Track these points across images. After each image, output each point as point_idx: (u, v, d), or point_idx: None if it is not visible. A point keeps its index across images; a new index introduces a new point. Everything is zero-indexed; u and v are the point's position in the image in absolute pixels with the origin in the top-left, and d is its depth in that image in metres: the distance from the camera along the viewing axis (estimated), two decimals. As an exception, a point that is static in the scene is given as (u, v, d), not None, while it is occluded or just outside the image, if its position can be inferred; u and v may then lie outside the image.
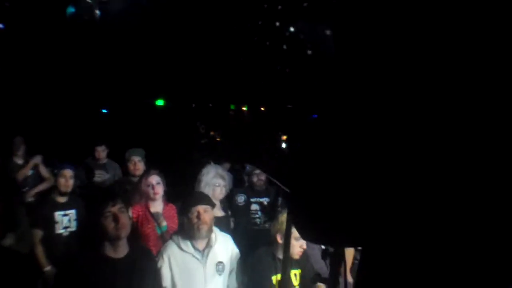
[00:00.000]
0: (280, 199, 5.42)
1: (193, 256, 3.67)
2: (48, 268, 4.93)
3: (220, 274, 3.73)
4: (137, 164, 5.93)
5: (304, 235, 1.08)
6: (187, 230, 3.75)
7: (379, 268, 0.91)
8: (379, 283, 0.91)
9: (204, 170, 5.15)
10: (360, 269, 0.99)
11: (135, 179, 5.79)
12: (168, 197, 4.93)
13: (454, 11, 0.77)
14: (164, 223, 4.59)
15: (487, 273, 0.79)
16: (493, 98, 0.75)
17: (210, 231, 3.75)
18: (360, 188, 0.87)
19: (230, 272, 3.87)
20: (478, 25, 0.75)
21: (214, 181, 5.00)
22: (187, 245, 3.70)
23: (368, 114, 0.88)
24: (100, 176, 6.83)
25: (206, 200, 3.90)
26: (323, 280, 2.27)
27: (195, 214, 3.72)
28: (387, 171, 0.84)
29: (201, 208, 3.74)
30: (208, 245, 3.75)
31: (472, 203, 0.77)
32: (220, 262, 3.75)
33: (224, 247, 3.86)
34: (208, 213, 3.75)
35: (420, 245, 0.82)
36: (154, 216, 4.59)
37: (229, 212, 5.49)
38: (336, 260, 1.57)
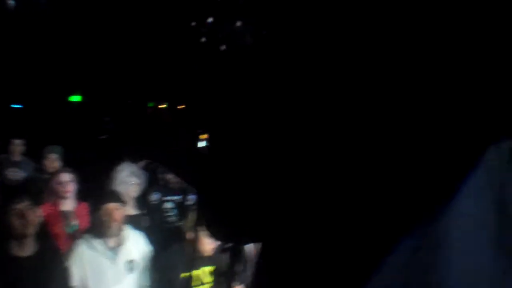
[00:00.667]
0: (192, 197, 5.47)
1: (104, 254, 3.65)
2: None
3: (131, 272, 3.73)
4: (54, 162, 5.77)
5: (212, 233, 1.10)
6: (97, 228, 3.72)
7: (273, 262, 0.94)
8: (272, 275, 0.94)
9: (119, 168, 5.11)
10: (257, 262, 1.04)
11: (49, 177, 5.67)
12: (82, 195, 4.86)
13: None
14: (74, 222, 4.52)
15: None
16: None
17: (121, 229, 3.74)
18: (258, 187, 0.90)
19: (142, 270, 3.87)
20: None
21: (128, 179, 4.98)
22: (97, 243, 3.67)
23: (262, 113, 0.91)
24: (13, 173, 6.59)
25: (117, 197, 3.89)
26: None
27: (106, 212, 3.69)
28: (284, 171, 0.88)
29: (111, 205, 3.72)
30: (119, 243, 3.73)
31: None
32: (132, 260, 3.75)
33: (136, 245, 3.86)
34: (119, 211, 3.73)
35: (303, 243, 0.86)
36: (64, 215, 4.51)
37: (143, 210, 5.48)
38: (235, 254, 1.64)
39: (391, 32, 0.80)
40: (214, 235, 1.12)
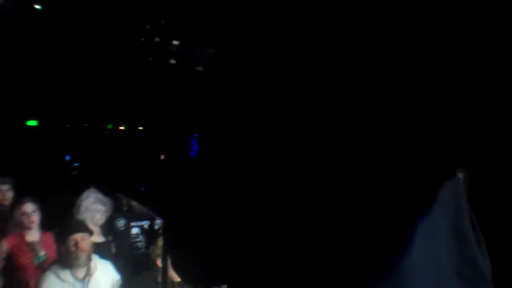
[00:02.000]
0: (159, 222, 5.46)
1: (73, 285, 3.64)
2: None
3: (101, 303, 3.73)
4: (6, 194, 5.62)
5: (180, 277, 1.08)
6: (65, 259, 3.71)
7: None
8: None
9: (84, 195, 5.07)
10: None
11: (4, 208, 5.55)
12: (45, 225, 4.80)
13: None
14: (41, 253, 4.46)
15: None
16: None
17: (89, 259, 3.73)
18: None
19: (112, 300, 3.87)
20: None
21: (94, 207, 4.95)
22: (66, 274, 3.66)
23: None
24: None
25: (83, 227, 3.89)
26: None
27: (73, 242, 3.69)
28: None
29: (78, 236, 3.72)
30: (88, 273, 3.73)
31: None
32: (101, 290, 3.75)
33: (105, 274, 3.86)
34: (86, 241, 3.73)
35: None
36: (31, 246, 4.45)
37: (110, 237, 5.45)
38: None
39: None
40: (182, 278, 1.10)
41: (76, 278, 3.67)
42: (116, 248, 5.52)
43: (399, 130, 0.85)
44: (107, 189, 6.88)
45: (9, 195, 5.60)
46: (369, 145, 0.85)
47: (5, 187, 5.61)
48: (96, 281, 3.75)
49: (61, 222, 4.77)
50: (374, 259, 0.82)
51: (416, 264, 0.82)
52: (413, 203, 0.83)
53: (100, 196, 5.13)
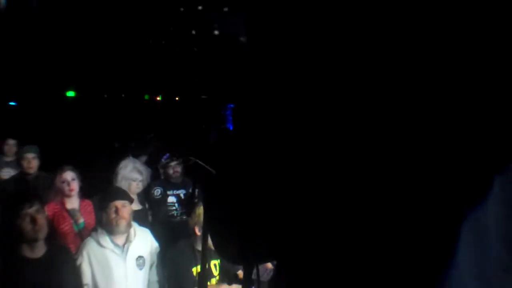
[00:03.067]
0: (197, 191, 5.48)
1: (113, 251, 3.69)
2: None
3: (140, 269, 3.77)
4: (31, 162, 5.70)
5: (220, 251, 1.03)
6: (105, 225, 3.75)
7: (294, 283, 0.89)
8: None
9: (122, 164, 5.13)
10: (275, 283, 0.98)
11: (29, 177, 5.64)
12: (84, 193, 4.88)
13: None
14: (81, 220, 4.54)
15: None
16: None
17: (129, 226, 3.77)
18: (276, 195, 0.85)
19: (151, 266, 3.91)
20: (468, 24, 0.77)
21: (131, 175, 5.01)
22: (106, 241, 3.71)
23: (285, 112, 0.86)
24: (7, 174, 6.54)
25: (124, 195, 3.92)
26: (239, 282, 2.35)
27: (113, 209, 3.72)
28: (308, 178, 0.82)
29: (118, 203, 3.75)
30: (128, 240, 3.77)
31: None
32: (141, 257, 3.79)
33: (144, 242, 3.90)
34: (126, 208, 3.76)
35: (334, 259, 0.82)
36: (71, 213, 4.53)
37: (147, 205, 5.51)
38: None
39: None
40: (223, 257, 1.07)
41: (116, 245, 3.72)
42: (153, 216, 5.58)
43: (451, 121, 0.79)
44: (143, 159, 6.94)
45: (34, 163, 5.70)
46: (418, 137, 0.79)
47: (31, 155, 5.71)
48: (135, 248, 3.79)
49: (101, 190, 4.85)
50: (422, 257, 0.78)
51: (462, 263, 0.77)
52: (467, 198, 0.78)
53: (137, 165, 5.18)
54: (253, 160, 0.88)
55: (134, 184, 4.98)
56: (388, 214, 0.79)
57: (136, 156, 5.71)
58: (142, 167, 5.20)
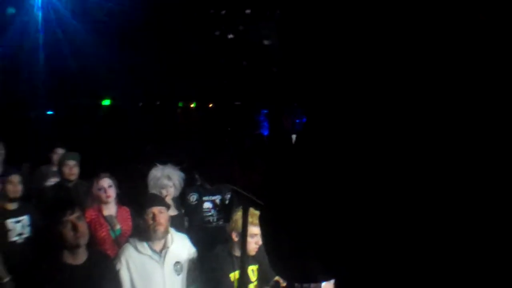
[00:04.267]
0: (232, 196, 5.49)
1: (151, 257, 3.70)
2: (7, 279, 4.84)
3: (178, 274, 3.78)
4: (72, 169, 5.76)
5: (276, 268, 1.00)
6: (143, 232, 3.78)
7: None
8: None
9: (152, 172, 5.16)
10: None
11: (70, 185, 5.72)
12: (120, 200, 4.92)
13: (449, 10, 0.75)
14: (118, 226, 4.59)
15: None
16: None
17: (166, 232, 3.79)
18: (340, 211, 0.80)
19: (188, 272, 3.92)
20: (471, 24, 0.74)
21: (160, 183, 5.04)
22: (144, 247, 3.73)
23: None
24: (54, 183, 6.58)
25: (161, 201, 3.94)
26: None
27: (150, 215, 3.74)
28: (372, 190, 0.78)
29: (156, 209, 3.77)
30: (165, 246, 3.79)
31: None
32: (178, 262, 3.80)
33: (181, 247, 3.91)
34: (163, 214, 3.78)
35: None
36: (108, 220, 4.58)
37: (182, 211, 5.53)
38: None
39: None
40: (282, 276, 1.01)
41: (154, 251, 3.73)
42: (189, 222, 5.60)
43: None
44: (178, 165, 6.97)
45: (75, 170, 5.76)
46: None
47: (73, 162, 5.77)
48: (173, 254, 3.80)
49: (137, 196, 4.89)
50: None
51: None
52: None
53: (166, 171, 5.19)
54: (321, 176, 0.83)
55: (164, 192, 5.00)
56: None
57: (164, 163, 5.68)
58: (171, 172, 5.21)
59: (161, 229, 3.72)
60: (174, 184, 5.15)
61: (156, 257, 3.72)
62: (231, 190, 5.19)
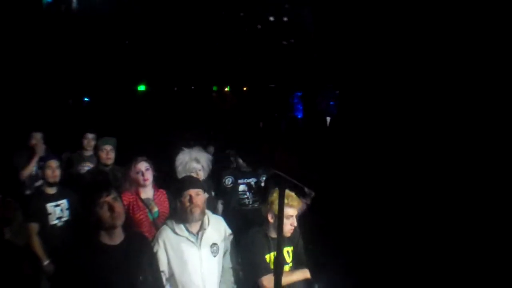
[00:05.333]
0: (267, 178, 5.50)
1: (188, 239, 3.74)
2: (47, 261, 4.98)
3: (215, 256, 3.81)
4: (109, 153, 5.87)
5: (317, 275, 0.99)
6: (180, 214, 3.81)
7: None
8: None
9: (178, 159, 5.19)
10: None
11: (107, 168, 5.82)
12: (157, 183, 4.97)
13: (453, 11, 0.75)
14: (155, 209, 4.64)
15: None
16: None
17: (203, 214, 3.81)
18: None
19: (224, 253, 3.95)
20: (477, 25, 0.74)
21: (188, 167, 5.06)
22: (181, 229, 3.76)
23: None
24: (87, 168, 6.69)
25: (197, 183, 3.96)
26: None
27: (187, 198, 3.76)
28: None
29: (192, 191, 3.79)
30: (202, 228, 3.81)
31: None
32: (215, 244, 3.83)
33: (217, 229, 3.93)
34: (200, 196, 3.80)
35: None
36: (145, 203, 4.64)
37: (213, 194, 5.57)
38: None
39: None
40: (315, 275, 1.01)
41: (191, 233, 3.76)
42: (225, 205, 5.64)
43: None
44: (214, 148, 7.00)
45: (112, 154, 5.87)
46: None
47: (109, 147, 5.88)
48: (209, 236, 3.83)
49: (170, 179, 4.93)
50: None
51: None
52: None
53: (193, 154, 5.20)
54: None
55: (193, 175, 5.03)
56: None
57: (190, 146, 5.68)
58: (199, 154, 5.22)
59: (197, 211, 3.74)
60: (203, 167, 5.17)
61: (193, 238, 3.75)
62: (269, 172, 5.19)
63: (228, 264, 3.96)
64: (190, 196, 3.75)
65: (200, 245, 3.76)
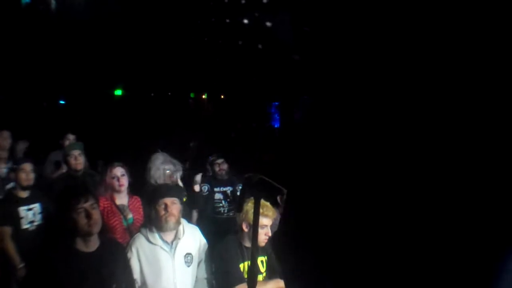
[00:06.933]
0: (243, 187, 5.51)
1: (162, 248, 3.72)
2: (22, 265, 4.92)
3: (188, 266, 3.80)
4: (78, 158, 5.79)
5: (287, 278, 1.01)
6: (154, 222, 3.79)
7: None
8: None
9: (153, 157, 5.20)
10: None
11: (78, 174, 5.76)
12: (131, 189, 4.95)
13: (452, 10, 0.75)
14: (130, 215, 4.63)
15: None
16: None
17: (178, 223, 3.80)
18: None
19: (199, 263, 3.93)
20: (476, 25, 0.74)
21: (163, 166, 5.08)
22: (155, 237, 3.75)
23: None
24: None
25: (173, 192, 3.95)
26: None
27: (162, 206, 3.75)
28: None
29: (168, 200, 3.77)
30: (176, 237, 3.80)
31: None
32: (189, 254, 3.82)
33: (192, 239, 3.93)
34: (175, 205, 3.79)
35: None
36: (120, 209, 4.62)
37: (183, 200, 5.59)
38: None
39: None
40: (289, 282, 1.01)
41: (165, 241, 3.75)
42: (200, 213, 5.64)
43: None
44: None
45: (81, 159, 5.81)
46: None
47: (77, 152, 5.82)
48: (184, 245, 3.82)
49: (143, 186, 4.93)
50: None
51: None
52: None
53: (168, 157, 5.22)
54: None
55: (168, 173, 5.04)
56: None
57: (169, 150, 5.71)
58: (173, 160, 5.25)
59: (172, 219, 3.74)
60: (175, 170, 5.19)
61: (167, 247, 3.75)
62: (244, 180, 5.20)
63: (203, 274, 3.95)
64: (166, 204, 3.74)
65: (174, 254, 3.75)
